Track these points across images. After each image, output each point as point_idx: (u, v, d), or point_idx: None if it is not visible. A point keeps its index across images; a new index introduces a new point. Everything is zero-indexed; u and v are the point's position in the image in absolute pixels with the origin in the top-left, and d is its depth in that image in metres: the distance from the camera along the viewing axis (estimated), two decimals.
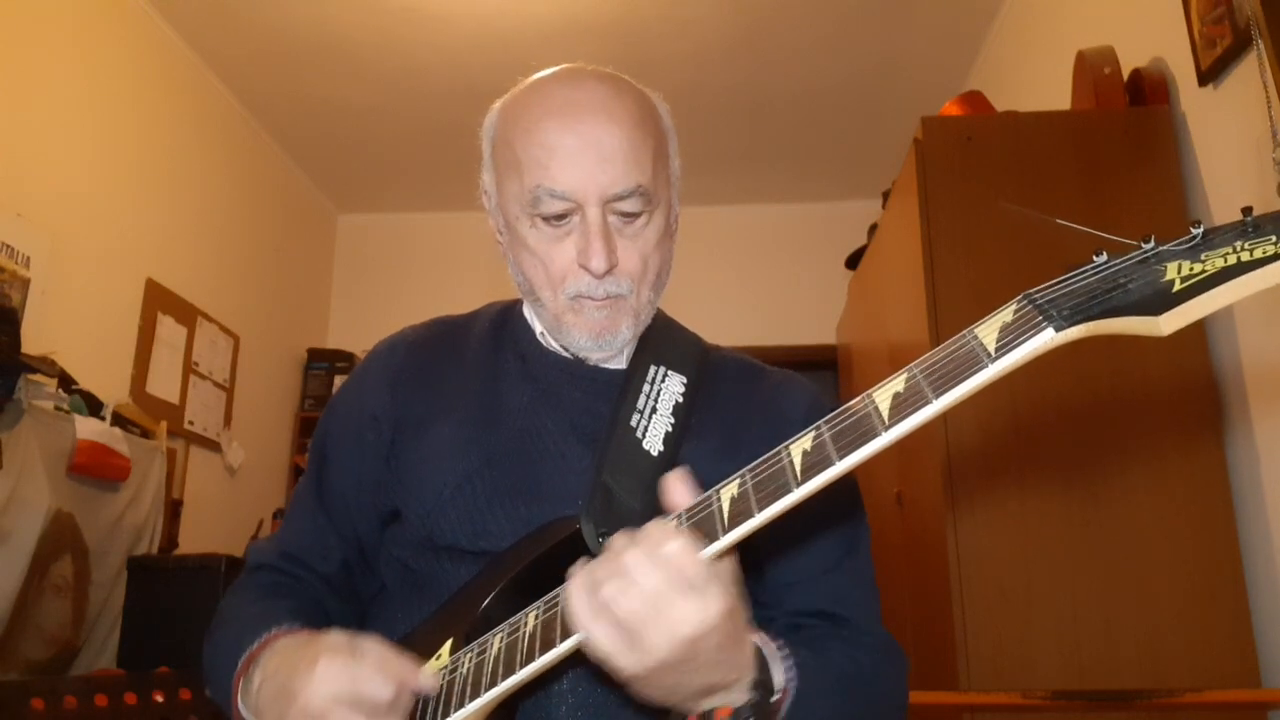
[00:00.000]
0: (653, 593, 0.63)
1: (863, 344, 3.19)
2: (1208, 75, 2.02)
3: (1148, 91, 2.23)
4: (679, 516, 0.69)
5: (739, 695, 0.70)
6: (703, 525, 0.66)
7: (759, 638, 0.73)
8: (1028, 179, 2.13)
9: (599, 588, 0.64)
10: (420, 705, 0.78)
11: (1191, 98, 2.12)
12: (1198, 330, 2.01)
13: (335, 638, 0.78)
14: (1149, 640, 1.84)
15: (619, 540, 0.66)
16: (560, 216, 0.88)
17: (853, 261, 3.38)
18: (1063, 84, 2.47)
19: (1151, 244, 0.57)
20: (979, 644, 1.87)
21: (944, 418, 2.01)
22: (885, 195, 2.82)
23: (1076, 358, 1.99)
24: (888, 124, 4.13)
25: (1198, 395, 1.97)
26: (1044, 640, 1.87)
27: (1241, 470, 1.92)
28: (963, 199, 2.13)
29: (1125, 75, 2.29)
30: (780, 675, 0.73)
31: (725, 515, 0.65)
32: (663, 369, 0.95)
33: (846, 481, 0.94)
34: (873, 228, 3.08)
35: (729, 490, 0.67)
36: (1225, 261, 0.53)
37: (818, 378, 0.88)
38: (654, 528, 0.66)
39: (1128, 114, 2.20)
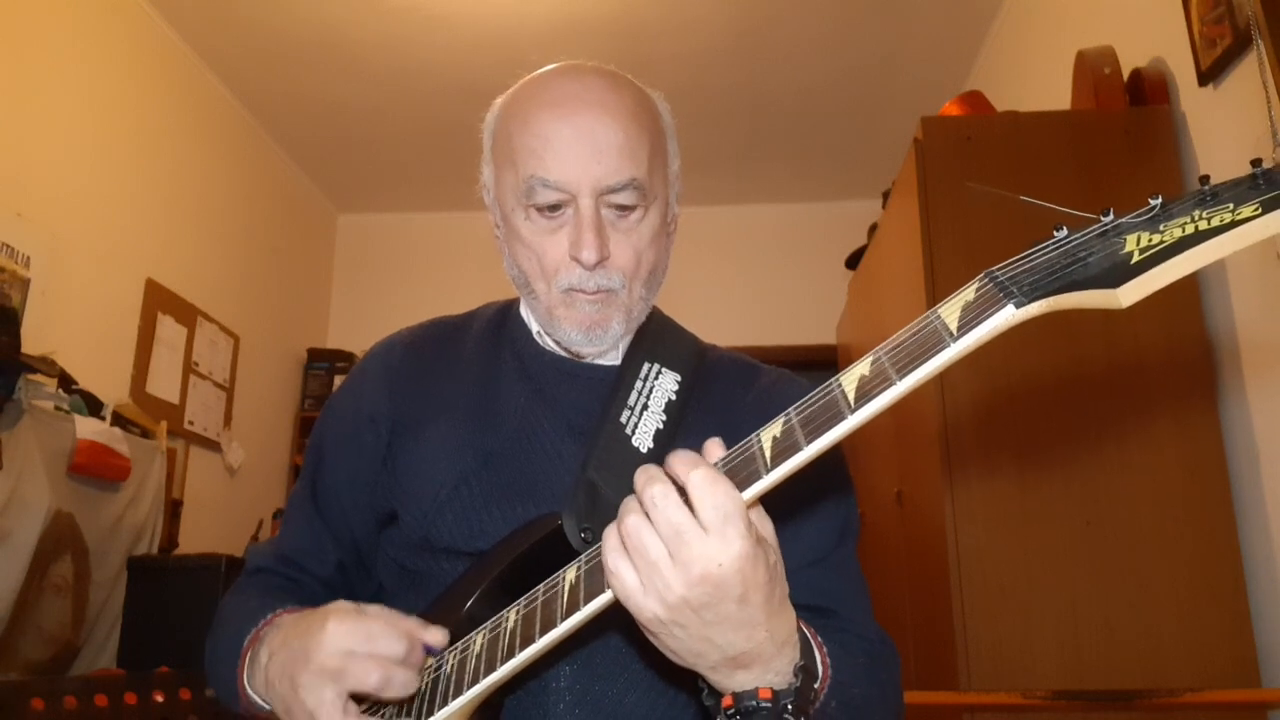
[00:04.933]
0: (671, 526, 0.61)
1: (863, 344, 3.19)
2: (1208, 75, 2.02)
3: (1148, 91, 2.23)
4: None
5: (779, 677, 0.66)
6: None
7: (801, 622, 0.70)
8: (1028, 179, 2.13)
9: (626, 516, 0.63)
10: (405, 703, 0.78)
11: (1191, 98, 2.12)
12: (1193, 303, 2.01)
13: (342, 604, 0.78)
14: (1149, 640, 1.84)
15: (647, 471, 0.64)
16: (554, 207, 0.88)
17: (853, 261, 3.38)
18: (1063, 84, 2.47)
19: (1110, 217, 0.57)
20: (979, 644, 1.87)
21: (943, 416, 2.01)
22: (885, 195, 2.82)
23: (1072, 342, 1.99)
24: (888, 124, 4.13)
25: (1194, 380, 1.97)
26: (1044, 640, 1.87)
27: (1239, 456, 1.92)
28: (963, 199, 2.13)
29: (1125, 75, 2.29)
30: (819, 661, 0.71)
31: None
32: (656, 366, 0.95)
33: (837, 472, 0.94)
34: (873, 228, 3.08)
35: None
36: (1184, 231, 0.53)
37: (817, 378, 0.87)
38: (682, 456, 0.64)
39: (1128, 114, 2.19)
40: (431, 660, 0.79)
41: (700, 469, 0.62)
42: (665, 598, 0.62)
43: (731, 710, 0.66)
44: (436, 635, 0.78)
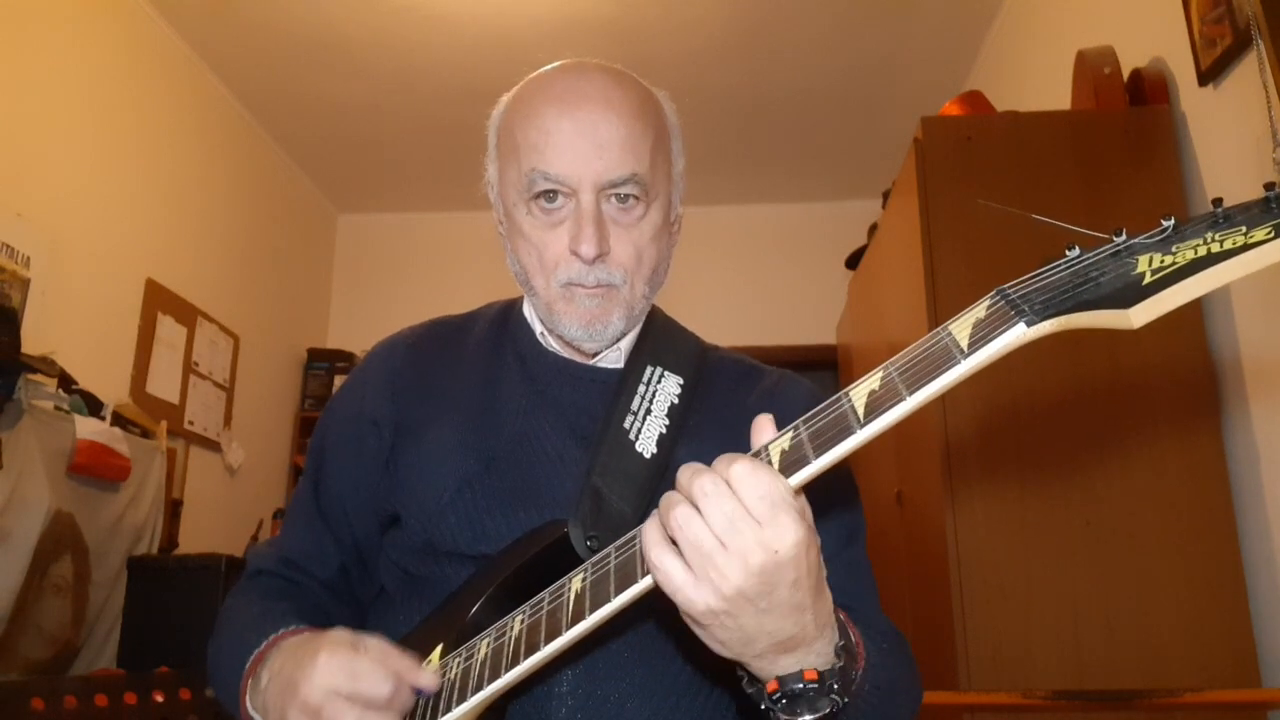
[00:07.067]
0: (725, 516, 0.60)
1: (863, 344, 3.19)
2: (1208, 75, 2.02)
3: (1148, 91, 2.23)
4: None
5: (822, 658, 0.66)
6: None
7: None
8: (1028, 179, 2.13)
9: (670, 512, 0.62)
10: (410, 710, 0.78)
11: (1191, 98, 2.12)
12: (1195, 321, 2.01)
13: (338, 634, 0.78)
14: (1149, 640, 1.84)
15: (691, 467, 0.63)
16: (555, 201, 0.88)
17: (853, 261, 3.38)
18: (1063, 84, 2.47)
19: (1123, 237, 0.57)
20: (979, 644, 1.87)
21: (944, 416, 2.01)
22: (885, 195, 2.82)
23: (1074, 352, 1.99)
24: (888, 124, 4.13)
25: (1196, 388, 1.97)
26: (1044, 640, 1.86)
27: (1240, 464, 1.92)
28: (963, 199, 2.13)
29: (1125, 75, 2.29)
30: (855, 642, 0.71)
31: None
32: (659, 370, 0.95)
33: (843, 474, 0.94)
34: (873, 228, 3.08)
35: None
36: (1196, 253, 0.53)
37: (818, 378, 0.87)
38: (726, 455, 0.63)
39: (1128, 114, 2.19)
40: (435, 669, 0.79)
41: (741, 461, 0.61)
42: (721, 589, 0.61)
43: (777, 694, 0.65)
44: (427, 678, 0.77)
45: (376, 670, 0.74)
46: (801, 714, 0.65)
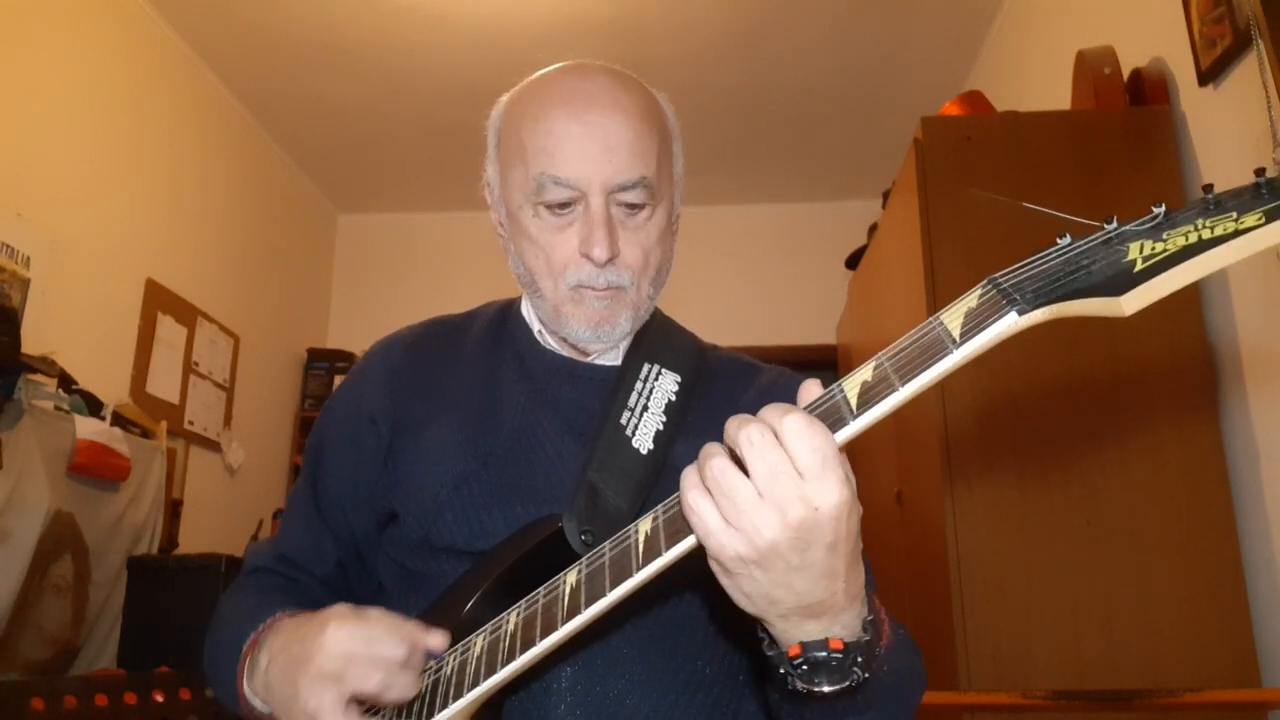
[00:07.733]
0: (768, 465, 0.58)
1: (863, 344, 3.19)
2: (1208, 75, 2.02)
3: (1148, 91, 2.23)
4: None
5: (848, 630, 0.65)
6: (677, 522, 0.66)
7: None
8: (1028, 179, 2.13)
9: (706, 462, 0.61)
10: (405, 705, 0.78)
11: (1191, 98, 2.12)
12: (1194, 313, 2.01)
13: (341, 607, 0.78)
14: (1149, 640, 1.84)
15: (740, 417, 0.61)
16: (563, 205, 0.88)
17: (853, 261, 3.38)
18: (1063, 84, 2.47)
19: (1114, 224, 0.57)
20: (979, 644, 1.87)
21: (943, 416, 2.01)
22: (885, 195, 2.82)
23: (1073, 345, 1.99)
24: (888, 124, 4.13)
25: (1194, 381, 1.97)
26: (1044, 639, 1.86)
27: (1239, 458, 1.92)
28: (963, 199, 2.12)
29: (1125, 75, 2.29)
30: (882, 620, 0.70)
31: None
32: (656, 367, 0.96)
33: None
34: (873, 228, 3.08)
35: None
36: (1187, 240, 0.53)
37: (818, 378, 0.87)
38: (777, 405, 0.61)
39: (1128, 114, 2.19)
40: (432, 662, 0.79)
41: (795, 414, 0.60)
42: (755, 540, 0.59)
43: (798, 659, 0.64)
44: (437, 639, 0.77)
45: (390, 633, 0.74)
46: (820, 684, 0.64)
